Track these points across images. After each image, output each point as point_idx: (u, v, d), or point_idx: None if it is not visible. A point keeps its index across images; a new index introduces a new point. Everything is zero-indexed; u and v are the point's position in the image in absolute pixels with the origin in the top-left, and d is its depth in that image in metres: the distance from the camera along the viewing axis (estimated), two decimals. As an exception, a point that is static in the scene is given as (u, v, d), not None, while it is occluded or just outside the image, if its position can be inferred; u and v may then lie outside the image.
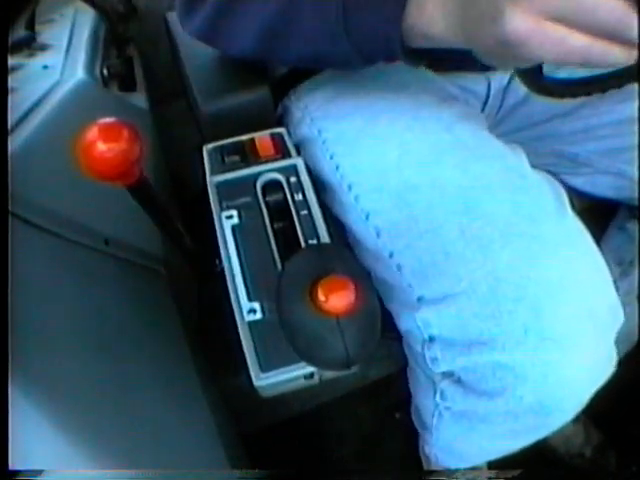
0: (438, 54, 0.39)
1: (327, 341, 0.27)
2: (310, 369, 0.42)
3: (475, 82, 0.60)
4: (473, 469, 0.51)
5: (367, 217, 0.45)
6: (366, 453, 0.78)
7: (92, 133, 0.25)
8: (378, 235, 0.44)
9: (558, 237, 0.39)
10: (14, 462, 0.24)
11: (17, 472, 0.24)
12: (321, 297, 0.25)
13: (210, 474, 0.39)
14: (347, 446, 0.79)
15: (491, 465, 0.53)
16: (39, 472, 0.24)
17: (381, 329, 0.31)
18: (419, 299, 0.41)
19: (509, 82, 0.63)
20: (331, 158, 0.49)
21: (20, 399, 0.26)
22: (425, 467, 0.56)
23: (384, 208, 0.44)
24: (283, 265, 0.34)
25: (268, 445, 0.68)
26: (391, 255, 0.43)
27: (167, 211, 0.33)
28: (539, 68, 0.38)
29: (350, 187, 0.47)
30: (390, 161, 0.45)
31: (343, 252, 0.32)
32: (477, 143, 0.45)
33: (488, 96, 0.62)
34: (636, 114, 0.55)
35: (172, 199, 0.35)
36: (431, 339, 0.41)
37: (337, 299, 0.25)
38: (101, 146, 0.25)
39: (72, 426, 0.28)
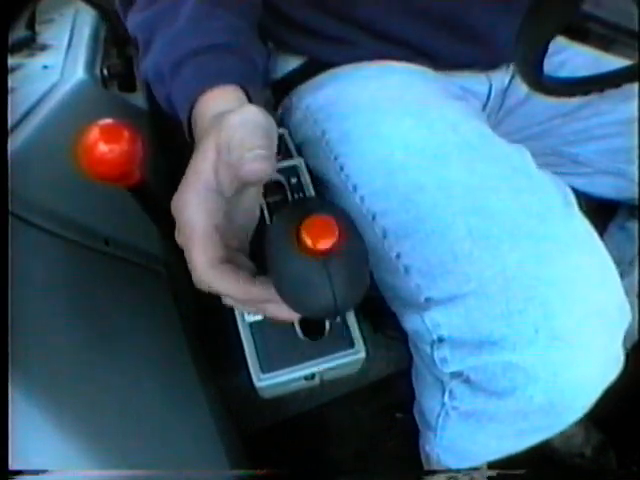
0: None
1: (313, 283, 0.26)
2: (311, 370, 0.42)
3: (477, 82, 0.60)
4: (473, 469, 0.51)
5: (373, 218, 0.45)
6: (366, 453, 0.78)
7: (93, 134, 0.25)
8: (384, 236, 0.44)
9: (567, 237, 0.39)
10: (14, 462, 0.24)
11: (17, 472, 0.24)
12: (305, 238, 0.25)
13: (210, 474, 0.39)
14: (347, 446, 0.79)
15: (491, 465, 0.53)
16: (39, 472, 0.24)
17: (369, 275, 0.30)
18: (427, 300, 0.41)
19: (510, 82, 0.63)
20: (335, 159, 0.49)
21: (20, 399, 0.26)
22: (425, 467, 0.56)
23: (391, 209, 0.44)
24: (271, 219, 0.33)
25: (268, 445, 0.68)
26: (398, 256, 0.43)
27: (168, 212, 0.33)
28: (540, 67, 0.38)
29: (355, 188, 0.47)
30: (396, 161, 0.45)
31: (326, 200, 0.32)
32: (483, 143, 0.45)
33: (489, 96, 0.62)
34: (636, 114, 0.55)
35: (150, 185, 0.35)
36: (440, 340, 0.40)
37: (321, 238, 0.25)
38: (102, 147, 0.25)
39: (72, 426, 0.28)
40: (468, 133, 0.45)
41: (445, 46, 0.55)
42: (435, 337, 0.41)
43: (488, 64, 0.59)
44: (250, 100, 0.39)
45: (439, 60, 0.56)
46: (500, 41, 0.55)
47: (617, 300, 0.39)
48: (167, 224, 0.34)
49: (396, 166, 0.44)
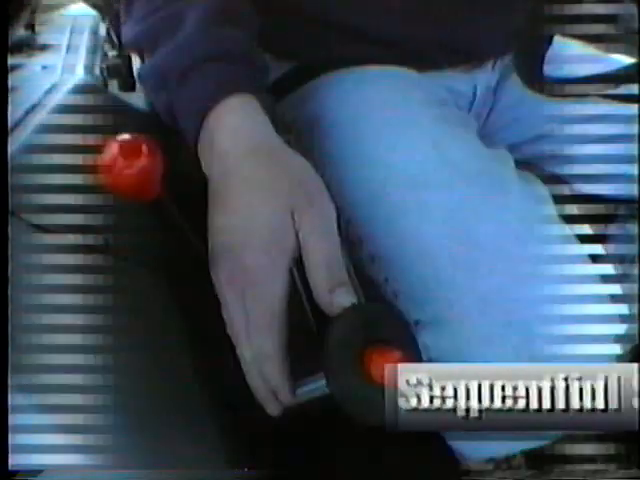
0: None
1: (371, 403, 0.29)
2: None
3: (461, 82, 0.60)
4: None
5: (360, 243, 0.45)
6: (366, 453, 0.78)
7: (112, 149, 0.25)
8: (372, 260, 0.44)
9: (545, 255, 0.39)
10: (14, 462, 0.24)
11: (16, 472, 0.24)
12: (370, 368, 0.28)
13: (210, 474, 0.39)
14: (347, 446, 0.79)
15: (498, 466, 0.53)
16: (39, 472, 0.24)
17: None
18: (416, 322, 0.41)
19: (498, 82, 0.62)
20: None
21: (20, 399, 0.26)
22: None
23: (375, 233, 0.44)
24: (330, 327, 0.34)
25: (268, 445, 0.68)
26: (386, 280, 0.44)
27: (186, 225, 0.33)
28: (540, 67, 0.38)
29: (340, 212, 0.47)
30: (377, 184, 0.44)
31: (389, 312, 0.34)
32: (464, 158, 0.45)
33: (475, 95, 0.62)
34: (636, 114, 0.55)
35: (170, 200, 0.35)
36: (430, 362, 0.41)
37: (386, 368, 0.27)
38: (121, 163, 0.25)
39: (72, 426, 0.28)
40: (449, 148, 0.45)
41: (424, 41, 0.54)
42: (425, 359, 0.41)
43: (470, 58, 0.58)
44: (264, 110, 0.38)
45: (419, 58, 0.55)
46: (481, 33, 0.54)
47: (602, 315, 0.39)
48: (185, 238, 0.35)
49: (377, 188, 0.44)
